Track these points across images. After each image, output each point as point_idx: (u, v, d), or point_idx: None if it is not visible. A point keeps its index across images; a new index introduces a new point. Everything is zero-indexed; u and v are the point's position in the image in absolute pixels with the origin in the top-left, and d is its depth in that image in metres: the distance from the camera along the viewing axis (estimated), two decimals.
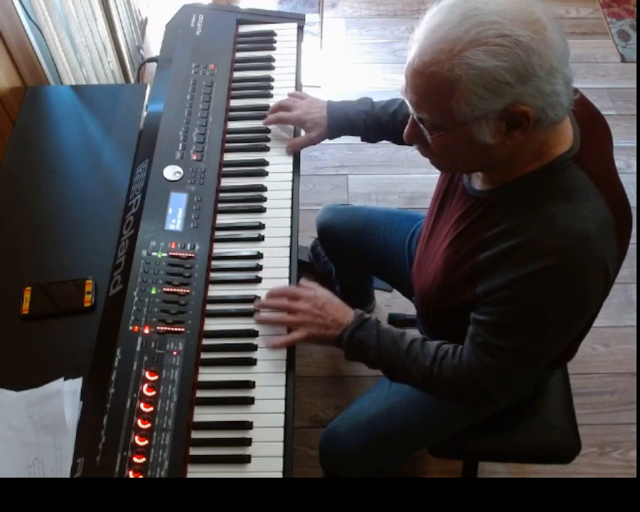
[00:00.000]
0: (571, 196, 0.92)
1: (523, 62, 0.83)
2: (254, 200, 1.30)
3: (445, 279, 1.08)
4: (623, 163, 2.31)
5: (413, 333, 1.15)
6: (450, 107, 0.87)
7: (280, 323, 1.15)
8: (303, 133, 1.40)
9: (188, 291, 1.14)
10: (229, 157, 1.37)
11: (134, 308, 1.10)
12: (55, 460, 1.02)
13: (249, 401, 1.08)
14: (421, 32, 0.88)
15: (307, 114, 1.38)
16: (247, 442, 1.04)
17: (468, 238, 1.03)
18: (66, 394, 1.07)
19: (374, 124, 1.37)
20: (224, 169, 1.34)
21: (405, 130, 0.99)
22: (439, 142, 0.94)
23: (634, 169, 2.31)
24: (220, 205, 1.29)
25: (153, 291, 1.12)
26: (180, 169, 1.28)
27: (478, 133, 0.89)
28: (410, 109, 0.94)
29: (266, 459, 1.03)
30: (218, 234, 1.25)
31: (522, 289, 0.93)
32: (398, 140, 1.42)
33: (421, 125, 0.94)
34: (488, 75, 0.83)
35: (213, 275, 1.20)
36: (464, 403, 1.15)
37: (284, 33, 1.58)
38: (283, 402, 1.08)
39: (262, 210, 1.29)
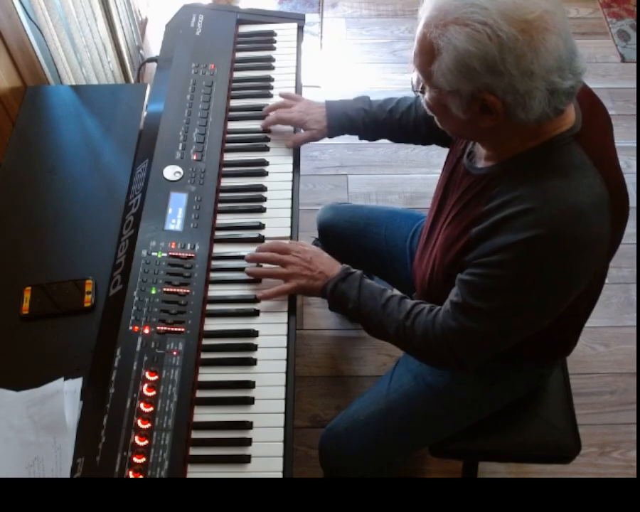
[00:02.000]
0: (568, 172, 0.93)
1: (494, 56, 0.84)
2: (254, 200, 1.30)
3: (442, 263, 1.09)
4: (623, 163, 2.31)
5: None
6: (431, 71, 0.91)
7: (270, 275, 1.18)
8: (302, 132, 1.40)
9: (188, 291, 1.14)
10: (229, 157, 1.37)
11: (134, 308, 1.10)
12: (55, 460, 1.02)
13: (249, 401, 1.08)
14: None
15: (308, 114, 1.38)
16: (247, 442, 1.04)
17: (465, 215, 1.03)
18: (66, 394, 1.07)
19: (372, 122, 1.37)
20: (224, 169, 1.34)
21: None
22: (427, 96, 0.98)
23: (634, 169, 2.31)
24: (220, 205, 1.29)
25: (153, 291, 1.12)
26: (180, 169, 1.28)
27: (452, 105, 0.93)
28: None
29: (266, 459, 1.03)
30: (218, 234, 1.25)
31: (510, 255, 0.94)
32: (395, 138, 1.42)
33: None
34: (462, 56, 0.86)
35: (213, 275, 1.20)
36: (432, 361, 1.16)
37: (284, 33, 1.58)
38: (283, 402, 1.08)
39: (262, 210, 1.29)
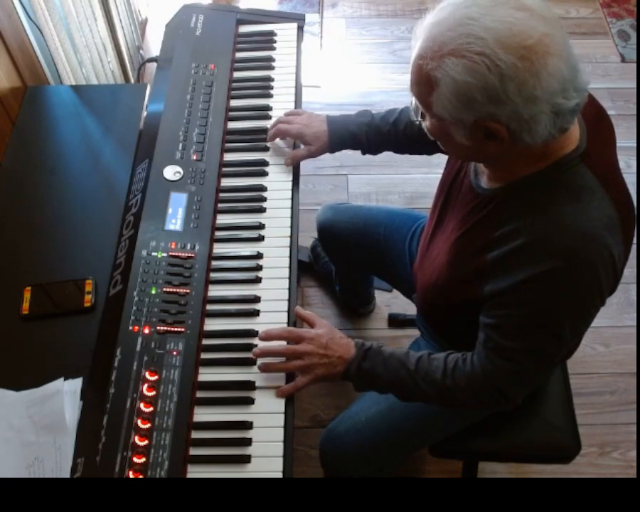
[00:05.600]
0: (578, 195, 0.92)
1: (495, 86, 0.82)
2: (254, 200, 1.30)
3: (450, 276, 1.08)
4: (623, 163, 2.31)
5: (413, 333, 1.14)
6: (430, 102, 0.90)
7: (287, 370, 1.11)
8: (302, 146, 1.39)
9: (188, 291, 1.14)
10: (229, 157, 1.37)
11: (134, 308, 1.10)
12: (55, 460, 1.02)
13: (249, 401, 1.08)
14: (427, 22, 0.89)
15: (308, 127, 1.36)
16: (247, 442, 1.04)
17: (475, 236, 1.03)
18: (66, 394, 1.07)
19: (376, 135, 1.35)
20: (224, 169, 1.34)
21: None
22: (428, 124, 0.97)
23: (634, 169, 2.31)
24: (220, 205, 1.29)
25: (153, 291, 1.12)
26: (180, 169, 1.28)
27: (455, 133, 0.92)
28: None
29: (266, 459, 1.03)
30: (218, 234, 1.25)
31: (532, 290, 0.93)
32: (400, 149, 1.40)
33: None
34: (461, 88, 0.84)
35: (213, 275, 1.20)
36: (482, 407, 1.17)
37: (284, 33, 1.58)
38: (283, 402, 1.08)
39: (262, 210, 1.29)
